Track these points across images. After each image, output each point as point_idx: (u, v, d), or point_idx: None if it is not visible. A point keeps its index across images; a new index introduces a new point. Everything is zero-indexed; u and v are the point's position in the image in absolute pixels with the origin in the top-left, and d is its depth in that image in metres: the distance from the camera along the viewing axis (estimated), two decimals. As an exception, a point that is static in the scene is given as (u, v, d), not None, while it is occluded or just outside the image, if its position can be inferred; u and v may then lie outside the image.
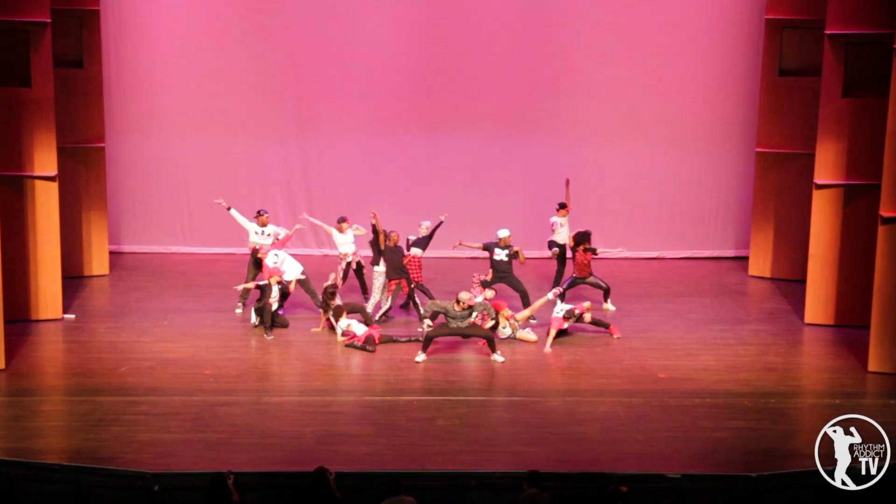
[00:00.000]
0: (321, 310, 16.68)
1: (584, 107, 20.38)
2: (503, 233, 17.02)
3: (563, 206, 18.28)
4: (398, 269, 16.87)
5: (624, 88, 20.30)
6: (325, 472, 11.08)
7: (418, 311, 17.06)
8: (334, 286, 16.64)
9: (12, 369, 15.05)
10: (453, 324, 15.47)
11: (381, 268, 17.06)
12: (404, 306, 17.56)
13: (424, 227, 17.48)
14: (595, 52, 20.24)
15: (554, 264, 18.40)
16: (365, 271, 17.79)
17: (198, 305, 17.76)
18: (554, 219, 18.26)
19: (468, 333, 15.69)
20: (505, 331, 16.37)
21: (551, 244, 18.28)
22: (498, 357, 15.51)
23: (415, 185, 20.55)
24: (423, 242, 17.42)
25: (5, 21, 16.04)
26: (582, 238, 17.51)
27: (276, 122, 20.45)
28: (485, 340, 15.71)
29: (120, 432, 13.21)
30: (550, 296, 16.71)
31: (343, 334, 16.27)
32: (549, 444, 13.09)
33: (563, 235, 18.22)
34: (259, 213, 17.58)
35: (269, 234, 17.42)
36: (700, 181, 20.68)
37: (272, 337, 16.30)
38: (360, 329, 16.21)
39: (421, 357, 15.47)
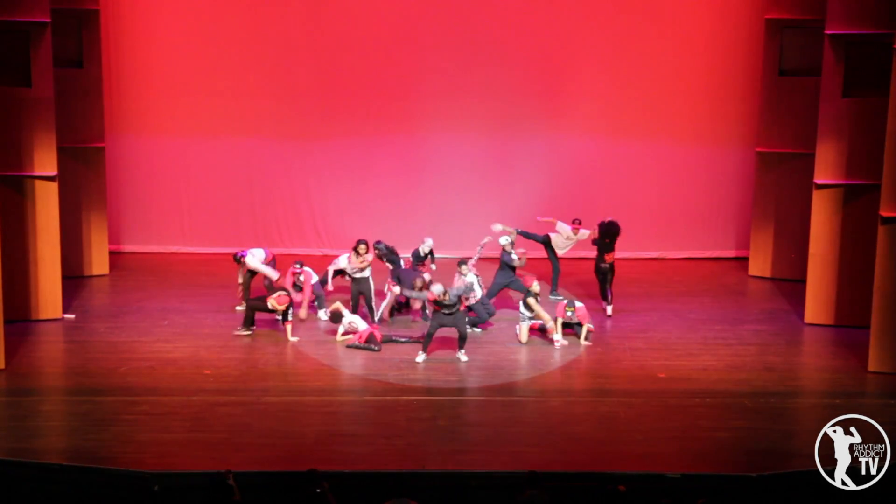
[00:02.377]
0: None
1: (584, 106, 20.38)
2: (504, 240, 17.04)
3: (577, 221, 18.24)
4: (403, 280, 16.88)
5: (624, 88, 20.29)
6: (316, 474, 11.08)
7: (424, 310, 17.09)
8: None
9: (12, 369, 15.04)
10: (446, 315, 15.38)
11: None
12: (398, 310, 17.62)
13: (427, 246, 17.51)
14: (595, 52, 20.24)
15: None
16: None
17: (198, 305, 17.75)
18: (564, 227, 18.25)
19: (458, 324, 15.58)
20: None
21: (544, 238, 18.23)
22: (462, 356, 15.48)
23: (417, 184, 20.53)
24: (422, 260, 17.49)
25: (5, 21, 16.04)
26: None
27: (276, 122, 20.43)
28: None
29: (120, 432, 13.21)
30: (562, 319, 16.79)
31: (345, 333, 16.29)
32: (549, 444, 13.10)
33: (561, 241, 18.17)
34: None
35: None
36: (700, 181, 20.68)
37: (249, 333, 16.28)
38: (361, 325, 16.25)
39: (421, 357, 15.47)
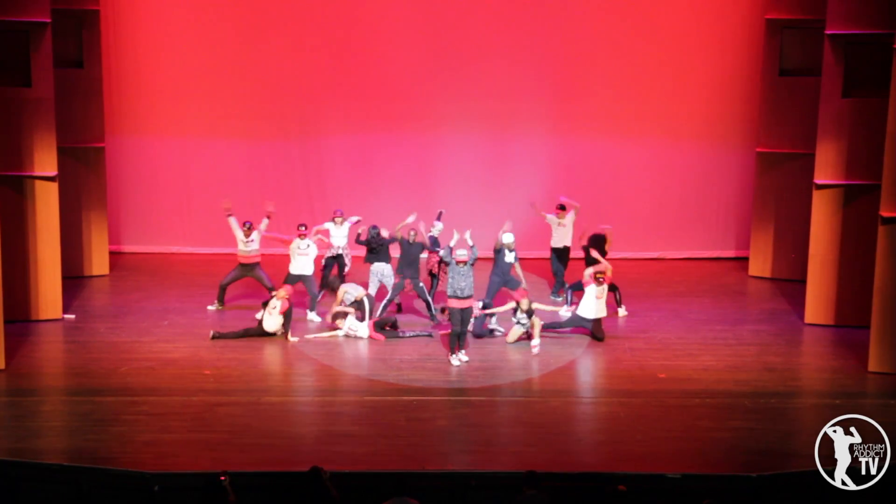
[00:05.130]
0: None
1: (584, 107, 20.38)
2: (509, 238, 16.97)
3: (561, 207, 18.25)
4: (408, 266, 16.88)
5: (624, 88, 20.30)
6: (319, 471, 11.07)
7: (430, 310, 17.08)
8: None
9: (12, 369, 15.04)
10: (459, 282, 15.36)
11: (378, 266, 17.10)
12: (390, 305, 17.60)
13: (436, 230, 17.54)
14: (595, 53, 20.25)
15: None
16: (348, 271, 17.84)
17: (198, 305, 17.75)
18: (549, 216, 18.21)
19: (467, 316, 15.67)
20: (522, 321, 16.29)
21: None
22: (462, 357, 15.49)
23: (417, 184, 20.54)
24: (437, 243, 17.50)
25: (5, 21, 16.04)
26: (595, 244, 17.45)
27: (276, 122, 20.45)
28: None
29: (120, 432, 13.21)
30: (562, 311, 16.75)
31: (346, 335, 16.35)
32: (549, 444, 13.09)
33: (563, 236, 18.16)
34: (244, 225, 17.49)
35: (252, 240, 17.42)
36: (700, 181, 20.69)
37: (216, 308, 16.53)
38: (360, 326, 16.29)
39: (458, 359, 15.43)
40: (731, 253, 20.87)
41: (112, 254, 19.83)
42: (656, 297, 18.53)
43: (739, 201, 20.60)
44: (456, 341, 15.47)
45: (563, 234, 18.19)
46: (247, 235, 17.35)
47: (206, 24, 20.18)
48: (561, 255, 18.26)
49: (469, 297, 15.52)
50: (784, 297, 18.62)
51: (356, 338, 16.37)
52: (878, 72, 15.82)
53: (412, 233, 17.02)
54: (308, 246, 17.17)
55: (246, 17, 20.17)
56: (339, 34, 20.21)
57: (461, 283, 15.39)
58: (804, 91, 18.49)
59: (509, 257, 17.01)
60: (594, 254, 17.16)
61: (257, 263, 17.43)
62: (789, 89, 18.92)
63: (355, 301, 16.56)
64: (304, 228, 17.25)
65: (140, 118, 20.32)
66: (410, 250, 16.97)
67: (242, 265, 17.45)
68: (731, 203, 20.74)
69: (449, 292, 15.55)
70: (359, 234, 17.39)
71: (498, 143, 20.51)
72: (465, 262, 15.41)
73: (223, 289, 17.58)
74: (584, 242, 17.66)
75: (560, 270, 18.27)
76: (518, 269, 17.02)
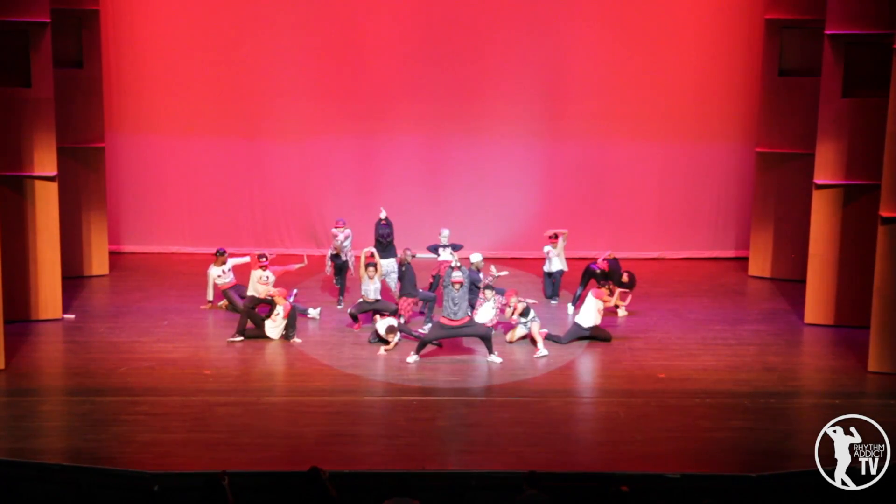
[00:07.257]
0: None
1: (584, 107, 20.38)
2: (476, 257, 16.95)
3: (554, 236, 18.14)
4: (412, 287, 16.82)
5: (624, 88, 20.30)
6: (318, 471, 11.07)
7: (429, 311, 17.07)
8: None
9: (12, 369, 15.05)
10: (452, 304, 15.35)
11: (382, 263, 17.10)
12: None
13: (444, 236, 17.49)
14: (595, 53, 20.26)
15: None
16: (349, 274, 17.84)
17: (197, 305, 17.74)
18: (547, 248, 18.14)
19: (465, 334, 15.63)
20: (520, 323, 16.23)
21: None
22: (495, 358, 15.48)
23: (416, 185, 20.54)
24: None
25: (5, 21, 16.05)
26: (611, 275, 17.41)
27: (276, 122, 20.45)
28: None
29: (120, 432, 13.21)
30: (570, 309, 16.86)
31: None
32: (549, 444, 13.10)
33: (557, 261, 18.07)
34: (217, 253, 17.48)
35: (229, 270, 17.42)
36: (700, 181, 20.69)
37: (240, 339, 16.24)
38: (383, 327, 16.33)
39: (413, 358, 15.44)
40: (730, 253, 20.87)
41: (112, 254, 19.84)
42: (656, 297, 18.53)
43: (739, 201, 20.60)
44: (422, 347, 15.46)
45: (556, 260, 18.07)
46: (223, 263, 17.34)
47: (205, 23, 20.18)
48: (555, 278, 18.15)
49: (462, 318, 15.43)
50: (784, 296, 18.62)
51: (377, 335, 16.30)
52: (878, 72, 15.82)
53: (409, 253, 16.92)
54: (268, 278, 17.00)
55: (245, 17, 20.16)
56: (340, 35, 20.20)
57: (454, 307, 15.30)
58: (804, 91, 18.49)
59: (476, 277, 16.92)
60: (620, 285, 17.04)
61: (235, 286, 17.49)
62: (789, 89, 18.92)
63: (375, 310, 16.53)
64: (265, 259, 17.07)
65: (140, 118, 20.32)
66: (410, 271, 16.89)
67: (224, 291, 17.50)
68: (731, 203, 20.75)
69: (442, 312, 15.51)
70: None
71: (498, 144, 20.50)
72: (460, 284, 15.30)
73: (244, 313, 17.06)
74: (604, 267, 17.60)
75: (555, 294, 18.12)
76: (493, 270, 16.90)
